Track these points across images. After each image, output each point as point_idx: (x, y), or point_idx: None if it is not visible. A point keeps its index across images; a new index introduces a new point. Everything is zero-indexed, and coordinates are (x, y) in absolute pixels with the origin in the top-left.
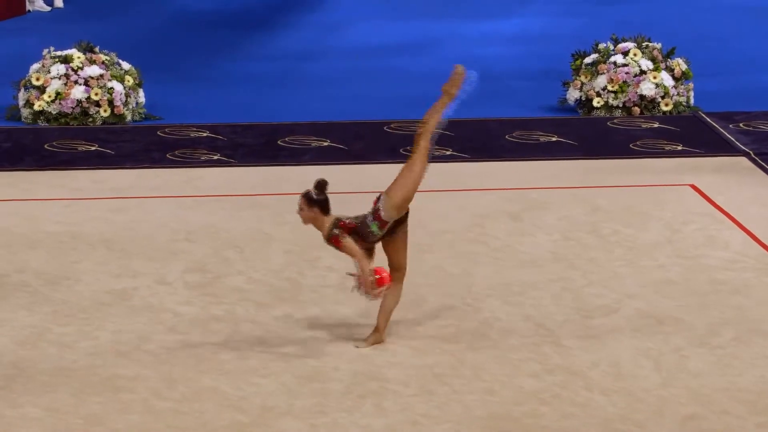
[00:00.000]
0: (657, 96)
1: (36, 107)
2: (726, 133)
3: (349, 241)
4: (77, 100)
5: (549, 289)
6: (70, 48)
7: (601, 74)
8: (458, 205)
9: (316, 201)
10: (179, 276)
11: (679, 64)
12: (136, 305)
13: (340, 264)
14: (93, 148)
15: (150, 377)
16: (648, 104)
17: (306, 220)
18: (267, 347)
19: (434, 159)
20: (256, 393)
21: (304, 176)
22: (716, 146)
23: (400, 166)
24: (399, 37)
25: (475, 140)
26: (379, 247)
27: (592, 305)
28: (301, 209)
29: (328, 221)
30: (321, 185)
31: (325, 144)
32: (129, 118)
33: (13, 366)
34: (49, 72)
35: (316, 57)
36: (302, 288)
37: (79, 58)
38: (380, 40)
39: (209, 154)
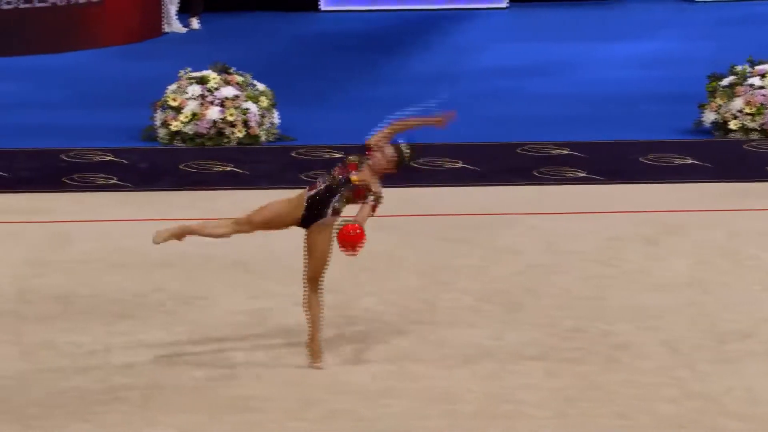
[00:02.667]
0: None
1: (172, 128)
2: None
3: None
4: (212, 120)
5: (683, 314)
6: (206, 69)
7: (738, 96)
8: (590, 227)
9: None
10: None
11: None
12: (270, 326)
13: (474, 286)
14: (228, 169)
15: (284, 398)
16: None
17: (387, 169)
18: (399, 368)
19: (566, 180)
20: (389, 414)
21: (437, 198)
22: None
23: (534, 187)
24: (532, 58)
25: (608, 162)
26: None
27: (727, 330)
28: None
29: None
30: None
31: (458, 165)
32: (263, 138)
33: (150, 385)
34: (185, 93)
35: (449, 79)
36: (435, 309)
37: (214, 79)
38: (513, 62)
39: None
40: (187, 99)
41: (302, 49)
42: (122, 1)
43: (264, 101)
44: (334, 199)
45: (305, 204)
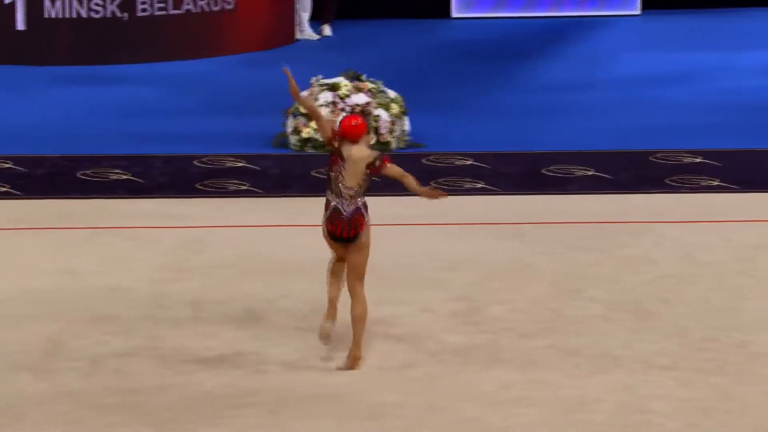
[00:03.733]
0: None
1: (303, 134)
2: None
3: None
4: None
5: None
6: (338, 76)
7: None
8: (725, 236)
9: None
10: (443, 304)
11: None
12: (400, 332)
13: (604, 294)
14: None
15: (412, 405)
16: None
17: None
18: (529, 377)
19: (700, 189)
20: (519, 424)
21: (568, 205)
22: None
23: (667, 196)
24: (665, 67)
25: (743, 171)
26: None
27: None
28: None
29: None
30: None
31: (590, 173)
32: (394, 145)
33: (280, 390)
34: (316, 100)
35: (582, 87)
36: (565, 317)
37: (346, 86)
38: (646, 70)
39: (473, 182)
40: (319, 106)
41: (433, 56)
42: (255, 8)
43: (395, 108)
44: (352, 198)
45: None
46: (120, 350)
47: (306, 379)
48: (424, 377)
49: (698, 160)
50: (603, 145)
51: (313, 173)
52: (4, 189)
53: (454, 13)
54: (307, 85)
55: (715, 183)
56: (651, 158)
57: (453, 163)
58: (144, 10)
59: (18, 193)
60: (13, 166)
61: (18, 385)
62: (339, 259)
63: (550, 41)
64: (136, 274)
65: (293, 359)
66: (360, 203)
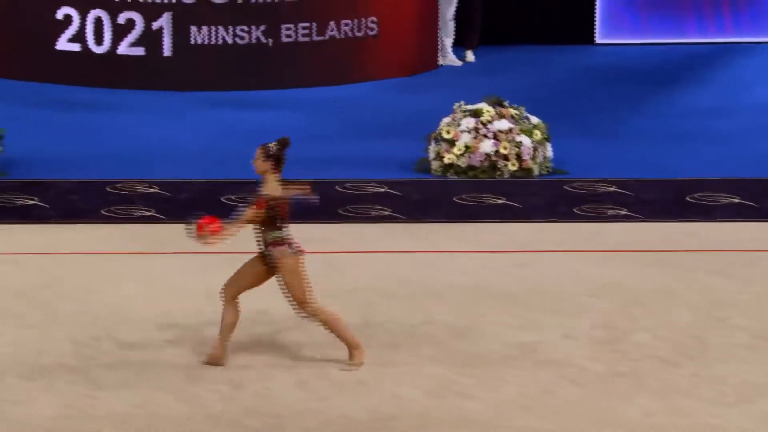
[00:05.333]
0: None
1: (446, 160)
2: None
3: (255, 213)
4: (486, 153)
5: None
6: (480, 102)
7: None
8: None
9: (271, 155)
10: (586, 331)
11: None
12: (541, 359)
13: (749, 322)
14: (500, 202)
15: (551, 429)
16: None
17: (258, 170)
18: (670, 404)
19: None
20: None
21: (712, 233)
22: None
23: None
24: None
25: None
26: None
27: None
28: (256, 158)
29: (272, 182)
30: (284, 142)
31: (735, 201)
32: (536, 172)
33: (422, 416)
34: (459, 125)
35: (726, 113)
36: (709, 345)
37: (488, 112)
38: None
39: (616, 209)
40: (461, 132)
41: (577, 82)
42: (399, 34)
43: (538, 134)
44: (262, 238)
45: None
46: (261, 374)
47: (446, 404)
48: (566, 404)
49: None
50: (748, 172)
51: (455, 199)
52: (150, 213)
53: (598, 39)
54: (449, 111)
55: None
56: None
57: (596, 190)
58: (288, 36)
59: (162, 217)
60: (159, 191)
61: (160, 407)
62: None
63: (695, 67)
64: (278, 298)
65: (433, 385)
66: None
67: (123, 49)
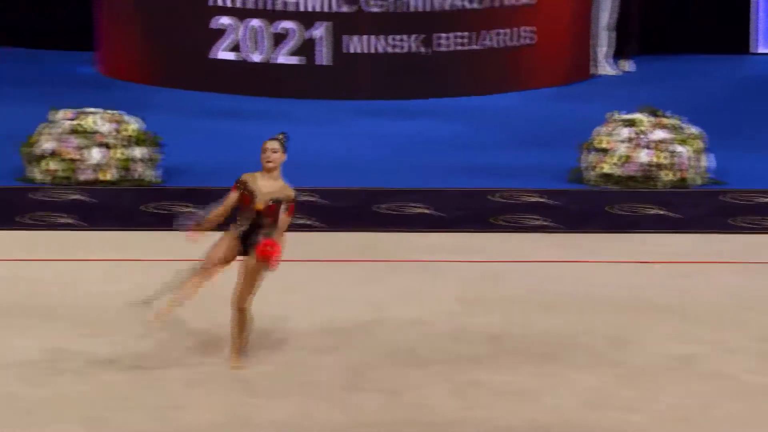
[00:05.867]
0: None
1: (601, 170)
2: None
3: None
4: (642, 163)
5: None
6: (635, 112)
7: None
8: None
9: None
10: (745, 344)
11: None
12: (701, 371)
13: None
14: (657, 212)
15: None
16: None
17: (276, 164)
18: None
19: None
20: None
21: None
22: None
23: None
24: None
25: None
26: None
27: None
28: (276, 151)
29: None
30: (284, 137)
31: None
32: (696, 182)
33: (580, 427)
34: (614, 135)
35: None
36: None
37: (644, 121)
38: None
39: None
40: (617, 141)
41: (734, 91)
42: (555, 43)
43: (695, 144)
44: (262, 231)
45: (239, 238)
46: (418, 383)
47: (605, 416)
48: (728, 417)
49: None
50: None
51: (610, 209)
52: (309, 222)
53: (755, 49)
54: (603, 121)
55: None
56: None
57: (753, 201)
58: (444, 45)
59: (322, 225)
60: (318, 199)
61: (319, 415)
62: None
63: None
64: (434, 307)
65: (591, 396)
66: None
67: (280, 58)
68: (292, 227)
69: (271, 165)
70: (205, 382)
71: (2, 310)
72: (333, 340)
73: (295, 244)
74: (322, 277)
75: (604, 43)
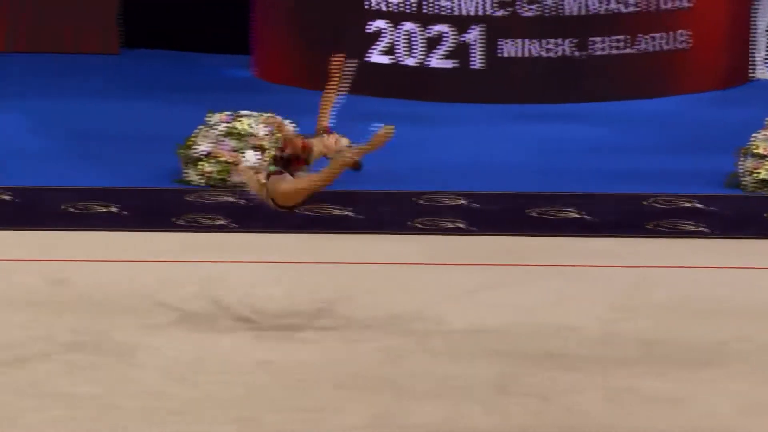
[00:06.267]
0: None
1: (758, 176)
2: None
3: None
4: None
5: None
6: None
7: None
8: None
9: None
10: None
11: None
12: None
13: None
14: None
15: None
16: None
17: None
18: None
19: None
20: None
21: None
22: None
23: None
24: None
25: None
26: None
27: None
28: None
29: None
30: None
31: None
32: None
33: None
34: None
35: None
36: None
37: None
38: None
39: None
40: None
41: None
42: (711, 47)
43: None
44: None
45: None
46: (570, 388)
47: (761, 423)
48: None
49: None
50: None
51: (765, 215)
52: (461, 225)
53: None
54: (761, 126)
55: None
56: None
57: None
58: (599, 49)
59: (473, 229)
60: (470, 203)
61: (469, 418)
62: None
63: None
64: (586, 312)
65: (745, 402)
66: None
67: (433, 61)
68: (443, 231)
69: None
70: (353, 384)
71: (158, 309)
72: (483, 343)
73: (446, 247)
74: (474, 280)
75: (762, 47)
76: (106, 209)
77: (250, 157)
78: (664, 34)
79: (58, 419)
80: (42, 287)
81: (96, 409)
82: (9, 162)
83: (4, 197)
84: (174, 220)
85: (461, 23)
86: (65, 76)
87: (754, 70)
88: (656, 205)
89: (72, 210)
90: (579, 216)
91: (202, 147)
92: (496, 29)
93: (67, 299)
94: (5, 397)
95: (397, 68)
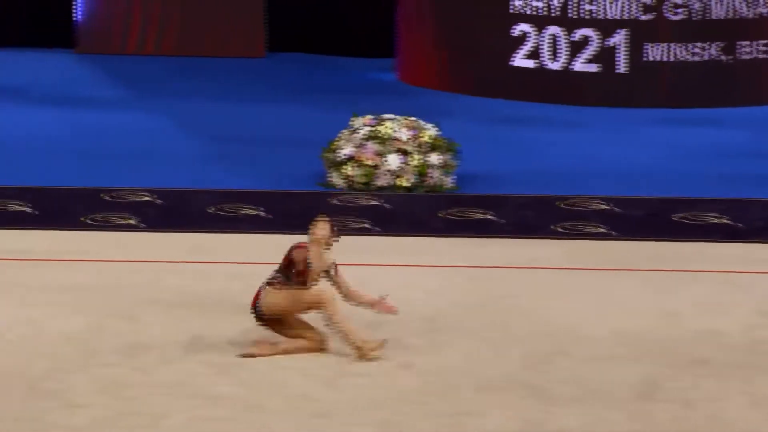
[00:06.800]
0: None
1: None
2: None
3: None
4: None
5: None
6: None
7: None
8: None
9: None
10: None
11: None
12: None
13: None
14: None
15: None
16: None
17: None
18: None
19: None
20: None
21: None
22: None
23: None
24: None
25: None
26: None
27: None
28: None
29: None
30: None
31: None
32: None
33: None
34: None
35: None
36: None
37: None
38: None
39: None
40: None
41: None
42: None
43: None
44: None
45: None
46: (713, 395)
47: None
48: None
49: None
50: None
51: None
52: (603, 230)
53: None
54: None
55: None
56: None
57: None
58: (746, 53)
59: (616, 234)
60: (613, 208)
61: (613, 424)
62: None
63: None
64: (731, 319)
65: None
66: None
67: (578, 65)
68: (591, 235)
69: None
70: (496, 387)
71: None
72: (626, 348)
73: (585, 251)
74: (616, 285)
75: None
76: (251, 212)
77: (393, 160)
78: None
79: (201, 419)
80: (187, 288)
81: (239, 409)
82: (154, 163)
83: (149, 198)
84: None
85: (606, 27)
86: (211, 79)
87: None
88: None
89: (216, 212)
90: (724, 221)
91: (345, 150)
92: (641, 33)
93: (211, 301)
94: (150, 397)
95: (541, 72)
